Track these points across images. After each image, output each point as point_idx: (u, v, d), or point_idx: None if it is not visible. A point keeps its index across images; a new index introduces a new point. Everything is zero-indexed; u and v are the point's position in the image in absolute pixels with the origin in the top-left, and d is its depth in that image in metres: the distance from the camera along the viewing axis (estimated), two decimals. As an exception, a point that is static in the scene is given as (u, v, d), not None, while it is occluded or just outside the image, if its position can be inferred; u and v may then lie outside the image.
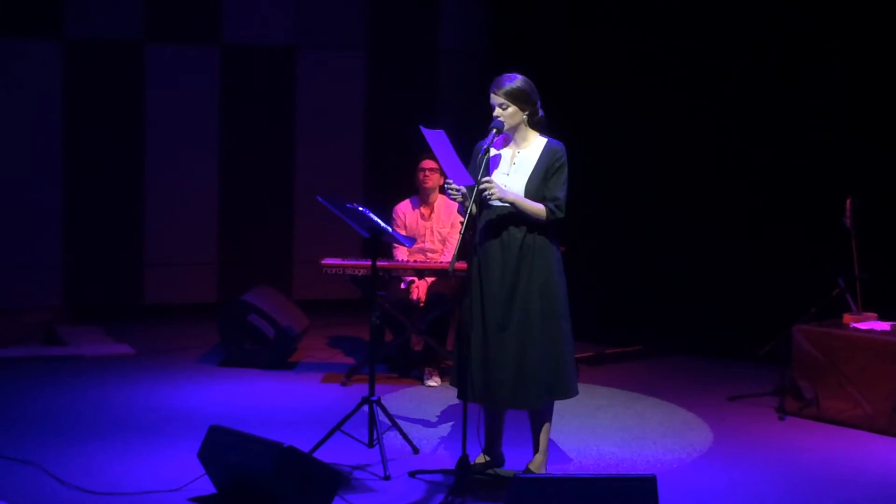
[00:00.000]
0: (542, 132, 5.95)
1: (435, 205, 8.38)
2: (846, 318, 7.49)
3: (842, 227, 7.61)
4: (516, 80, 5.86)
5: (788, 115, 8.95)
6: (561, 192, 5.83)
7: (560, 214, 5.83)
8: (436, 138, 5.69)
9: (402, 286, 8.23)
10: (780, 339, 7.64)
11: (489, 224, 5.89)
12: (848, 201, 7.59)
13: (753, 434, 7.11)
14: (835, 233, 7.72)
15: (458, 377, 5.89)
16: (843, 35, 8.64)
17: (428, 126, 5.69)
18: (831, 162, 8.67)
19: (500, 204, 5.85)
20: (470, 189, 5.76)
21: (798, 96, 8.89)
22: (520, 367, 5.80)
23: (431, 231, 8.36)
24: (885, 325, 7.36)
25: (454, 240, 8.25)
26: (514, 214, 5.84)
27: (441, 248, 8.34)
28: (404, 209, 8.44)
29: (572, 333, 5.95)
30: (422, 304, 8.16)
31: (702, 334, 9.14)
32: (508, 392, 5.83)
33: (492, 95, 5.87)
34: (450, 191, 5.80)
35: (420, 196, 8.40)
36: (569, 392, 5.94)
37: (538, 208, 5.80)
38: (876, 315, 7.51)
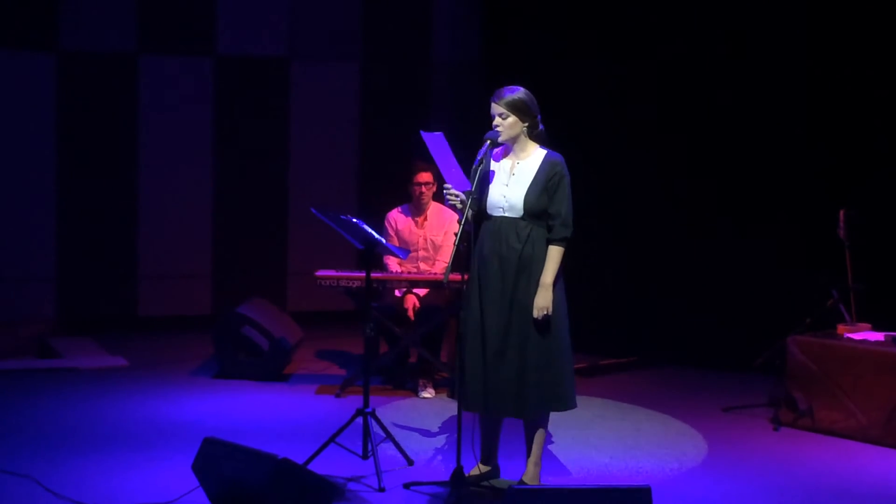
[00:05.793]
0: (542, 145, 5.96)
1: (428, 213, 8.38)
2: (840, 328, 7.49)
3: (836, 239, 7.62)
4: (518, 92, 5.88)
5: (784, 126, 8.97)
6: (564, 208, 5.84)
7: (568, 232, 5.85)
8: (435, 141, 5.72)
9: (398, 293, 8.22)
10: (775, 349, 7.65)
11: (488, 234, 5.90)
12: (841, 213, 7.60)
13: (748, 445, 7.11)
14: (829, 244, 7.73)
15: (457, 388, 5.89)
16: (842, 45, 8.67)
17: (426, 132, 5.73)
18: (825, 173, 8.69)
19: (500, 214, 5.87)
20: (468, 195, 5.78)
21: (793, 106, 8.91)
22: (519, 377, 5.81)
23: (424, 239, 8.35)
24: (879, 336, 7.36)
25: (447, 247, 8.22)
26: (512, 225, 5.85)
27: (434, 254, 8.33)
28: (395, 216, 8.43)
29: (571, 345, 5.96)
30: (411, 318, 8.12)
31: (696, 345, 9.14)
32: (507, 402, 5.85)
33: (492, 105, 5.88)
34: (448, 196, 5.81)
35: (414, 205, 8.38)
36: (567, 404, 5.95)
37: (555, 256, 5.81)
38: (870, 325, 7.51)
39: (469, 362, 5.85)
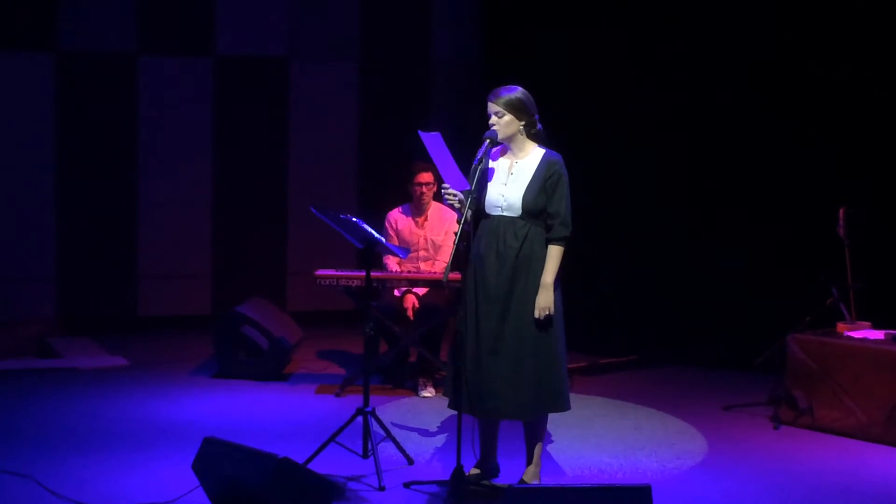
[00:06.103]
0: (541, 144, 5.96)
1: (428, 213, 8.37)
2: (840, 327, 7.50)
3: (835, 237, 7.62)
4: (515, 91, 5.89)
5: (783, 126, 8.97)
6: (563, 207, 5.84)
7: (567, 231, 5.85)
8: (432, 141, 5.72)
9: (397, 293, 8.23)
10: (775, 348, 7.65)
11: (486, 234, 5.90)
12: (841, 211, 7.62)
13: (748, 443, 7.12)
14: (829, 243, 7.73)
15: (452, 388, 5.89)
16: (842, 46, 8.67)
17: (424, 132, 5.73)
18: (825, 173, 8.69)
19: (498, 213, 5.88)
20: (466, 195, 5.78)
21: (793, 105, 8.91)
22: (514, 377, 5.80)
23: (425, 239, 8.35)
24: (878, 334, 7.36)
25: (448, 246, 8.22)
26: (511, 224, 5.85)
27: (434, 254, 8.33)
28: (396, 216, 8.43)
29: (566, 346, 5.96)
30: (411, 317, 8.12)
31: (696, 344, 9.14)
32: (502, 403, 5.84)
33: (489, 104, 5.89)
34: (447, 196, 5.81)
35: (415, 206, 8.38)
36: (562, 405, 5.94)
37: (555, 255, 5.81)
38: (870, 324, 7.52)
39: (463, 363, 5.83)
